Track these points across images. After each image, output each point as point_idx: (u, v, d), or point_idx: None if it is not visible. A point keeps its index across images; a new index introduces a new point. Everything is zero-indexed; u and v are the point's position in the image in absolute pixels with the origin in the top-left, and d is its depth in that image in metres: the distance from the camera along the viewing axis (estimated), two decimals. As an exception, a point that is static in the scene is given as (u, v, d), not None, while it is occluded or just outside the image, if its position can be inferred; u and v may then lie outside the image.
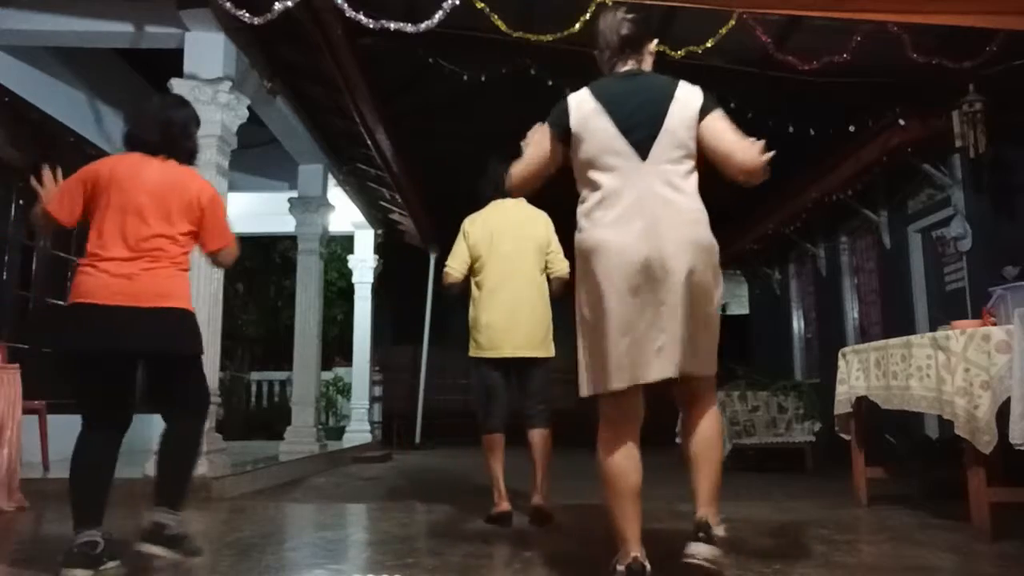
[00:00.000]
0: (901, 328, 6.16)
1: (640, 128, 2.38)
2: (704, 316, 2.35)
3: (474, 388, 3.96)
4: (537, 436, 3.87)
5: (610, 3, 4.61)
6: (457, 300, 4.14)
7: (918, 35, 4.91)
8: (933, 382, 3.50)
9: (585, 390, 2.39)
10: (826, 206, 8.10)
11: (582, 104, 2.45)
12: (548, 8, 4.97)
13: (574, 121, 2.43)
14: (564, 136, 2.46)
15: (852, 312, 8.78)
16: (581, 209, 2.46)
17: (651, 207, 2.33)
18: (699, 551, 2.21)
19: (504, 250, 3.90)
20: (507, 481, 3.82)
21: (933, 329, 4.25)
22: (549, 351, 3.94)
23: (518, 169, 2.59)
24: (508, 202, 3.99)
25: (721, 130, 2.40)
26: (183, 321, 2.78)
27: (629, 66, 2.52)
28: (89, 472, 2.72)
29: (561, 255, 4.00)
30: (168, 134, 2.89)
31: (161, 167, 2.84)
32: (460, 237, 4.02)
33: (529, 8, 5.05)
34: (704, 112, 2.40)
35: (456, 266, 3.96)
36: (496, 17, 4.68)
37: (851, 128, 6.43)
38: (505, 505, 3.77)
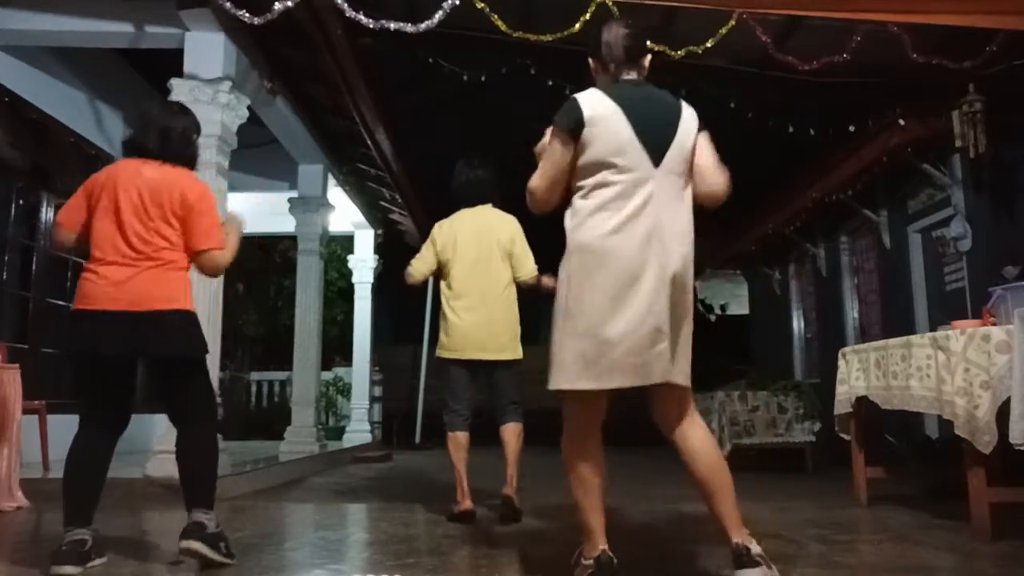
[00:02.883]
0: (901, 328, 6.16)
1: (655, 134, 2.41)
2: (688, 326, 2.42)
3: (444, 388, 4.08)
4: (510, 431, 3.97)
5: (611, 3, 4.62)
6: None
7: (918, 35, 4.90)
8: (933, 382, 3.50)
9: (562, 383, 2.35)
10: (826, 206, 8.10)
11: (596, 102, 2.44)
12: (548, 8, 4.97)
13: (588, 117, 2.40)
14: (575, 134, 2.42)
15: (852, 312, 8.78)
16: (584, 204, 2.42)
17: (657, 214, 2.36)
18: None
19: (469, 255, 4.00)
20: (485, 481, 3.84)
21: (933, 329, 4.25)
22: (516, 353, 4.04)
23: (539, 182, 2.49)
24: (477, 208, 4.12)
25: (706, 147, 2.52)
26: (182, 323, 2.78)
27: (633, 76, 2.54)
28: (81, 471, 2.75)
29: (527, 258, 4.06)
30: (167, 141, 2.91)
31: (158, 169, 2.86)
32: (428, 240, 4.15)
33: (529, 8, 5.05)
34: (699, 130, 2.51)
35: (418, 267, 4.10)
36: (496, 17, 4.68)
37: (851, 128, 6.43)
38: (468, 503, 3.85)
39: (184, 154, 2.97)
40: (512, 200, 4.19)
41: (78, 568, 2.58)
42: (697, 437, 2.44)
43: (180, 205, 2.83)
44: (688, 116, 2.49)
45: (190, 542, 2.61)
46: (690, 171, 2.48)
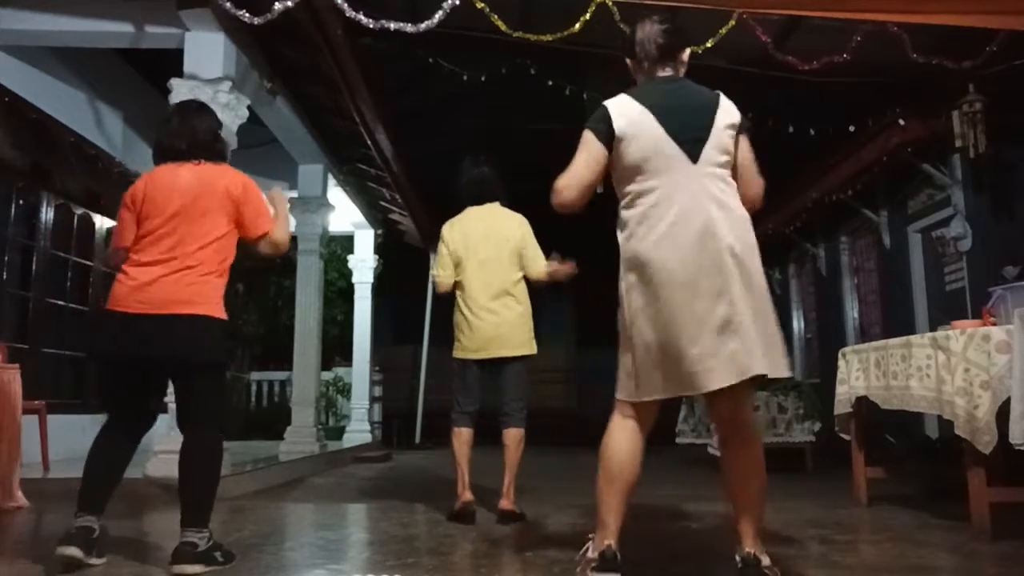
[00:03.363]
0: (901, 328, 6.17)
1: (689, 131, 2.40)
2: (767, 311, 2.36)
3: (454, 385, 4.09)
4: (511, 436, 3.94)
5: (611, 3, 4.62)
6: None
7: (918, 35, 4.90)
8: (933, 382, 3.50)
9: (643, 395, 2.37)
10: (826, 206, 8.11)
11: (625, 107, 2.44)
12: (548, 8, 4.97)
13: (619, 124, 2.41)
14: (608, 141, 2.43)
15: (852, 312, 8.79)
16: (630, 215, 2.42)
17: (706, 210, 2.34)
18: None
19: (479, 254, 4.00)
20: (488, 480, 3.84)
21: (933, 329, 4.26)
22: (530, 349, 4.02)
23: (567, 181, 2.47)
24: (485, 207, 4.12)
25: (747, 155, 2.51)
26: (202, 328, 2.77)
27: (668, 72, 2.55)
28: (99, 463, 2.81)
29: (537, 256, 4.02)
30: (196, 141, 2.94)
31: (192, 171, 2.89)
32: (441, 243, 4.15)
33: (529, 8, 5.05)
34: (740, 129, 2.48)
35: (444, 273, 4.09)
36: (496, 17, 4.68)
37: (851, 128, 6.43)
38: (468, 495, 3.85)
39: (215, 148, 3.00)
40: (511, 200, 4.21)
41: (83, 552, 2.61)
42: (747, 443, 2.41)
43: (225, 202, 2.86)
44: (726, 109, 2.46)
45: (182, 566, 2.61)
46: (734, 162, 2.46)
